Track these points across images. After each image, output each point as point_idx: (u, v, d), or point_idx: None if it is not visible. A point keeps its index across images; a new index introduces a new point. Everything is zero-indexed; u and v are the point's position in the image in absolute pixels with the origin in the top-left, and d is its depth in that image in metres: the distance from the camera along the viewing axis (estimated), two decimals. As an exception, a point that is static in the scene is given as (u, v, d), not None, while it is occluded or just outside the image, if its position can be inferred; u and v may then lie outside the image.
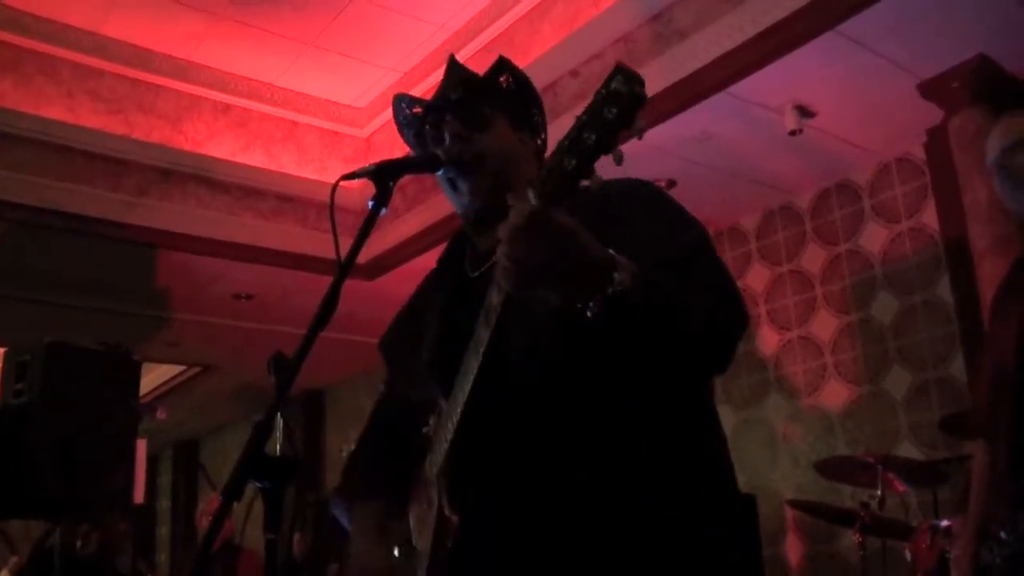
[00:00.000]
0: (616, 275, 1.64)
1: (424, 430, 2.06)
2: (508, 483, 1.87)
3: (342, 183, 1.93)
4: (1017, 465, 2.53)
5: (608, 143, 1.52)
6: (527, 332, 1.85)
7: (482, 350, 1.78)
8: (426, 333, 2.16)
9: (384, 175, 1.94)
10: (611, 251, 1.68)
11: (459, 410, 1.85)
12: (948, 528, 3.85)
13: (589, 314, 1.64)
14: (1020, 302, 2.51)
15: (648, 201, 2.05)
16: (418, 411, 2.12)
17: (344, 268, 1.84)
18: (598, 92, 1.51)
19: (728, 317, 1.83)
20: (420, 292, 2.38)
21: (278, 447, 1.87)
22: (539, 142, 2.23)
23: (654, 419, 1.87)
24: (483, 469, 1.90)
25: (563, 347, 1.83)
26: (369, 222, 1.90)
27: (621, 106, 1.50)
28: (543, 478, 1.83)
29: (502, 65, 2.19)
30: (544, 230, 1.59)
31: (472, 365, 1.82)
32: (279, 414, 1.64)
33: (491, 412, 1.85)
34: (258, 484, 1.64)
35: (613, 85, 1.51)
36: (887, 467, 4.48)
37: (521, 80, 2.21)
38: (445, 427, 1.92)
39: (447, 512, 1.86)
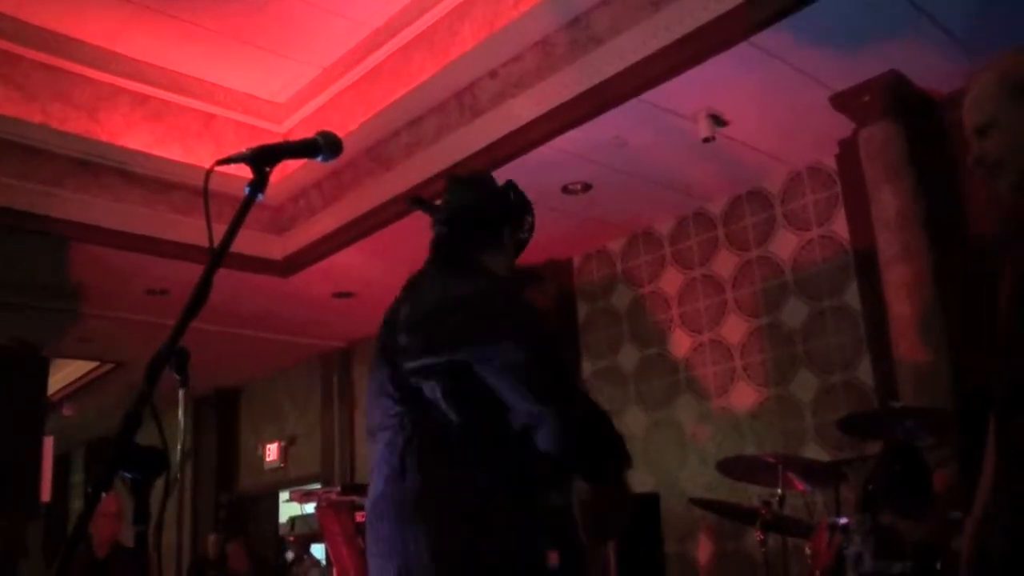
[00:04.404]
0: None
1: None
2: None
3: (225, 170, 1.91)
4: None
5: None
6: None
7: None
8: None
9: (261, 160, 1.94)
10: None
11: None
12: (846, 526, 3.95)
13: None
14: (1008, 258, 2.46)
15: None
16: None
17: (218, 255, 1.84)
18: None
19: None
20: None
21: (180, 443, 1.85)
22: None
23: None
24: None
25: None
26: (244, 207, 1.89)
27: None
28: None
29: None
30: None
31: None
32: (150, 406, 1.63)
33: None
34: (127, 475, 1.62)
35: None
36: (787, 467, 4.56)
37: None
38: None
39: None
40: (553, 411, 2.17)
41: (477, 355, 2.21)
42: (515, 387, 2.18)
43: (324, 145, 2.08)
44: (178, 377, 1.78)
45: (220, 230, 6.29)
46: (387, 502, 2.25)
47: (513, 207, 2.64)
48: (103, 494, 1.56)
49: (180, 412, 1.89)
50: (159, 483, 1.65)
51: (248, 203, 1.88)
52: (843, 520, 4.01)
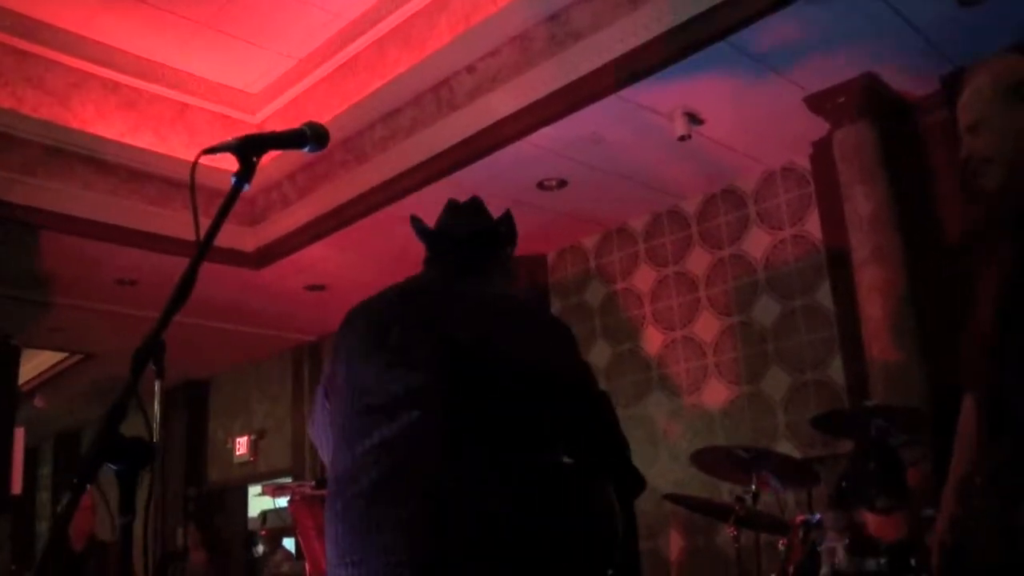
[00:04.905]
0: None
1: None
2: None
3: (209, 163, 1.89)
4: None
5: None
6: None
7: None
8: None
9: (247, 149, 1.92)
10: None
11: None
12: (820, 522, 3.98)
13: None
14: (993, 258, 2.52)
15: None
16: None
17: (203, 246, 1.81)
18: None
19: None
20: None
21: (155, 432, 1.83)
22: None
23: None
24: None
25: None
26: (231, 198, 1.87)
27: None
28: None
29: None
30: None
31: None
32: (136, 396, 1.61)
33: None
34: (112, 467, 1.61)
35: None
36: (761, 462, 4.58)
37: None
38: None
39: None
40: None
41: None
42: None
43: (311, 136, 2.08)
44: (155, 368, 1.75)
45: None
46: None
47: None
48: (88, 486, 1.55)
49: (156, 404, 1.87)
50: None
51: (235, 193, 1.87)
52: (817, 517, 4.04)
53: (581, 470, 2.34)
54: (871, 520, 3.88)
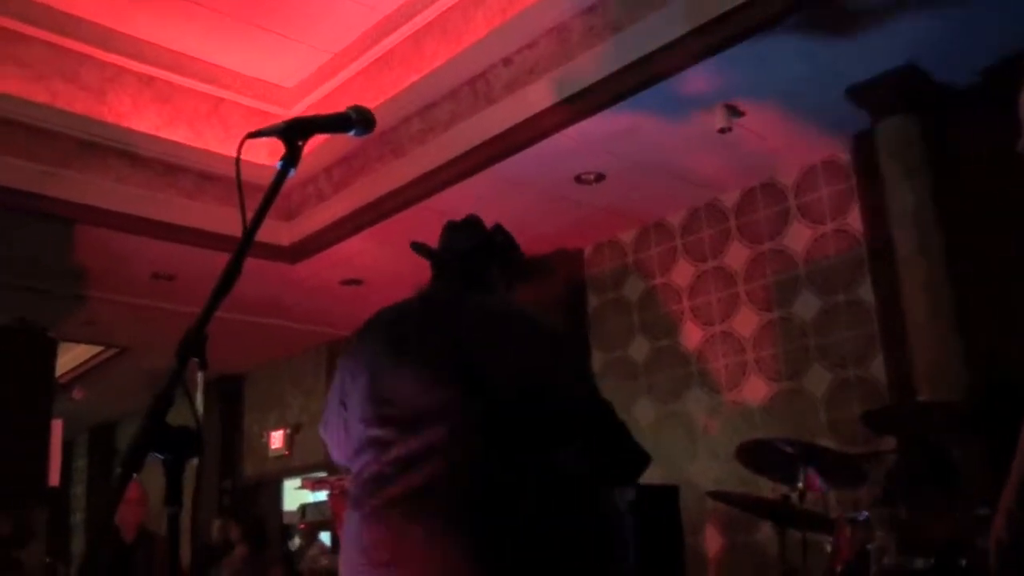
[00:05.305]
0: None
1: None
2: None
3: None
4: None
5: None
6: None
7: None
8: None
9: (293, 133, 1.90)
10: None
11: None
12: (867, 520, 3.90)
13: None
14: None
15: None
16: None
17: (250, 231, 1.78)
18: None
19: None
20: None
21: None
22: None
23: None
24: None
25: None
26: (277, 182, 1.85)
27: None
28: None
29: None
30: None
31: None
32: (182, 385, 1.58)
33: None
34: (159, 456, 1.58)
35: None
36: (807, 457, 4.49)
37: None
38: None
39: None
40: None
41: None
42: None
43: (357, 119, 2.06)
44: (197, 360, 1.74)
45: (229, 215, 6.22)
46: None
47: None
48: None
49: (199, 395, 1.85)
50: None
51: (281, 177, 1.84)
52: (864, 515, 3.96)
53: (590, 470, 2.50)
54: (921, 519, 3.80)
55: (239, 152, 1.80)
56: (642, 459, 2.61)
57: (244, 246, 1.76)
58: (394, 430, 2.39)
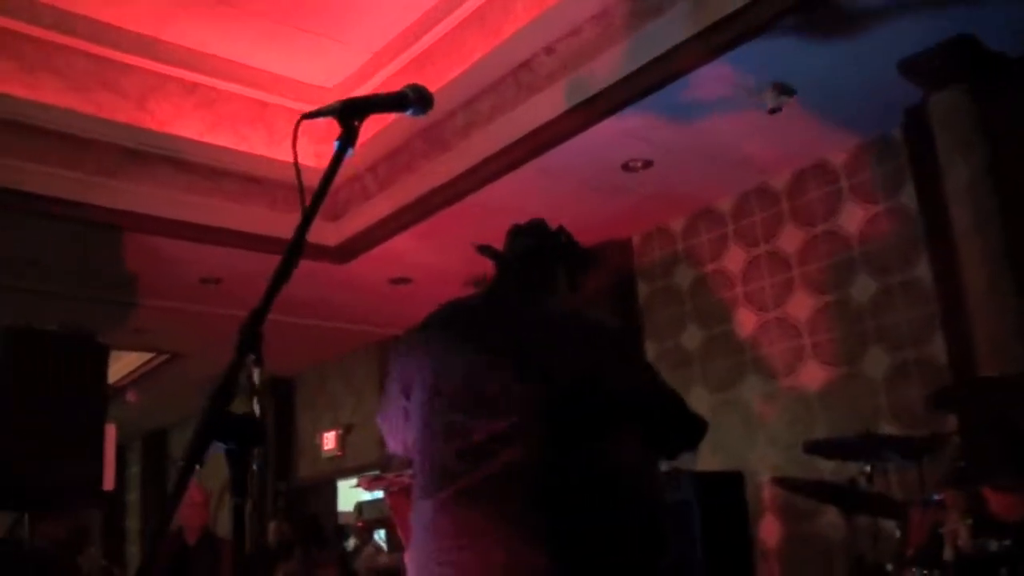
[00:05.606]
0: None
1: None
2: None
3: (350, 156, 1.88)
4: None
5: None
6: None
7: None
8: None
9: (349, 113, 1.90)
10: None
11: None
12: (941, 502, 3.80)
13: None
14: None
15: None
16: None
17: (308, 214, 1.78)
18: None
19: None
20: None
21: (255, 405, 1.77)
22: None
23: None
24: None
25: None
26: (335, 163, 1.83)
27: None
28: None
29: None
30: None
31: None
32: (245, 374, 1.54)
33: None
34: (223, 446, 1.53)
35: None
36: (876, 446, 4.39)
37: None
38: None
39: None
40: None
41: None
42: None
43: (414, 98, 2.03)
44: (254, 356, 1.71)
45: (274, 217, 6.20)
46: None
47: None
48: (197, 467, 1.47)
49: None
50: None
51: (339, 158, 1.82)
52: (936, 497, 3.86)
53: (651, 444, 2.53)
54: (993, 499, 3.69)
55: (295, 133, 1.86)
56: (701, 425, 2.60)
57: (304, 226, 1.76)
58: (461, 420, 2.40)
